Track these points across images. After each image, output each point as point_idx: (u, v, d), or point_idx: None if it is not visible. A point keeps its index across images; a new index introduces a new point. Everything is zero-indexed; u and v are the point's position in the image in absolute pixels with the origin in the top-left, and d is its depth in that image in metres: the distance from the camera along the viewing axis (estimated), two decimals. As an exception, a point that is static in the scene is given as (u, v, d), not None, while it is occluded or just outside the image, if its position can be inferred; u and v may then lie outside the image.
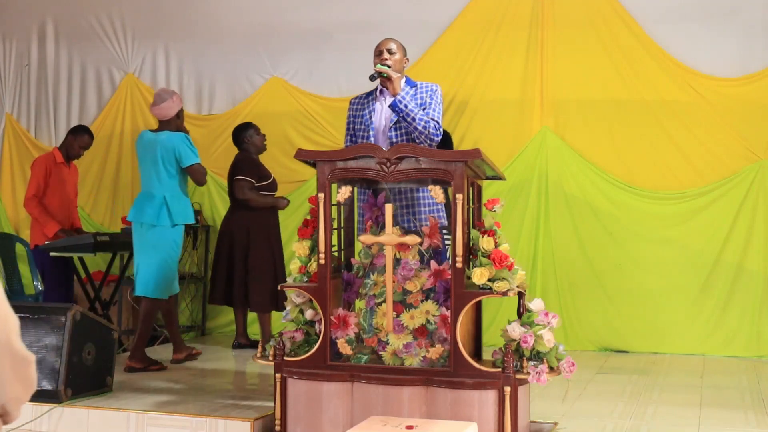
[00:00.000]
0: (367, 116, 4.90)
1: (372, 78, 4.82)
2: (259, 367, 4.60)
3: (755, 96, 6.87)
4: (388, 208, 4.22)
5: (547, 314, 4.21)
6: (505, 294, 4.07)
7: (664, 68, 7.05)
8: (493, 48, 7.42)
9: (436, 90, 4.87)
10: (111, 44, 8.49)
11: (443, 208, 4.70)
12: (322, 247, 4.23)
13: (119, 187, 8.44)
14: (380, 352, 4.24)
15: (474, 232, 4.18)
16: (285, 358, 4.35)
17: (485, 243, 4.10)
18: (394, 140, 4.76)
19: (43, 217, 7.01)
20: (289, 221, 7.45)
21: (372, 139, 4.82)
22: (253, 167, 6.90)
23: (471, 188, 4.32)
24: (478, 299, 4.18)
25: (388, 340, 4.22)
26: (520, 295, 4.25)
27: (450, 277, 4.11)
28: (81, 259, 7.24)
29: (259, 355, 4.48)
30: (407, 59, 5.04)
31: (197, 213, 7.84)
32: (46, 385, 4.81)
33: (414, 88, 4.85)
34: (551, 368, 4.11)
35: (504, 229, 4.33)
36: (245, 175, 6.82)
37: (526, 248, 7.17)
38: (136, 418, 4.70)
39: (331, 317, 4.26)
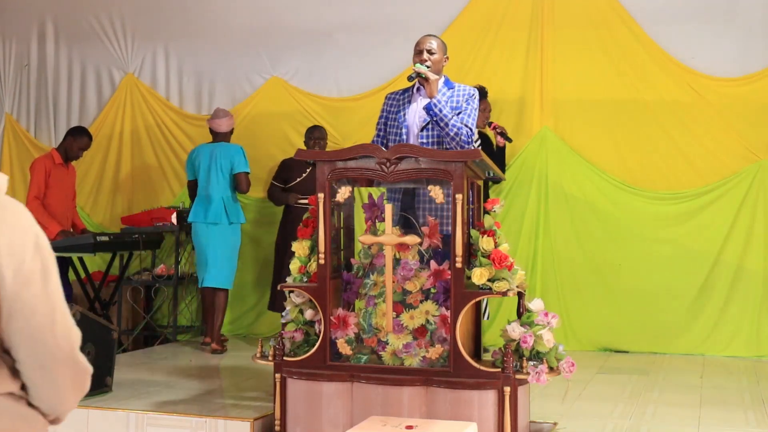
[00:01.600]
0: (402, 115, 4.83)
1: (410, 78, 4.74)
2: (260, 367, 4.59)
3: (755, 96, 6.86)
4: (388, 208, 4.22)
5: (546, 314, 4.21)
6: (504, 294, 4.07)
7: (663, 68, 7.04)
8: (493, 48, 7.41)
9: (473, 95, 4.80)
10: (111, 44, 8.49)
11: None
12: (321, 247, 4.24)
13: (119, 188, 8.43)
14: (380, 352, 4.24)
15: (474, 232, 4.18)
16: (285, 358, 4.35)
17: (485, 243, 4.10)
18: (424, 141, 4.72)
19: (45, 218, 7.01)
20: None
21: (404, 138, 4.77)
22: (282, 170, 7.32)
23: (471, 188, 4.32)
24: (477, 299, 4.18)
25: (387, 340, 4.22)
26: (520, 295, 4.25)
27: (450, 277, 4.11)
28: (81, 259, 7.25)
29: (258, 355, 4.48)
30: (447, 58, 4.92)
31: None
32: (46, 385, 4.80)
33: (451, 90, 4.79)
34: (551, 368, 4.11)
35: (504, 229, 4.33)
36: (273, 180, 7.39)
37: (526, 248, 7.16)
38: (136, 419, 4.70)
39: (331, 317, 4.26)
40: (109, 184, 8.45)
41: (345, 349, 4.26)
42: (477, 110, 4.79)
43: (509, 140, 6.78)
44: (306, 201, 6.86)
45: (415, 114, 4.80)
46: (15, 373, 1.69)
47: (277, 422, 4.35)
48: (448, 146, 4.64)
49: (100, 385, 5.13)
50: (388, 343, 4.21)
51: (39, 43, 8.76)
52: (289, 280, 4.45)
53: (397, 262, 4.25)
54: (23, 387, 1.71)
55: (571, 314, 7.04)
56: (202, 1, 8.26)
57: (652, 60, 7.06)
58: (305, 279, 4.38)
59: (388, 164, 4.17)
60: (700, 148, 6.97)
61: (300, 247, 4.41)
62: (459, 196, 4.06)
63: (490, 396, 4.04)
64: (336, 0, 7.85)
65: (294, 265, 4.42)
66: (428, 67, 4.74)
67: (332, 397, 4.24)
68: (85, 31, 8.57)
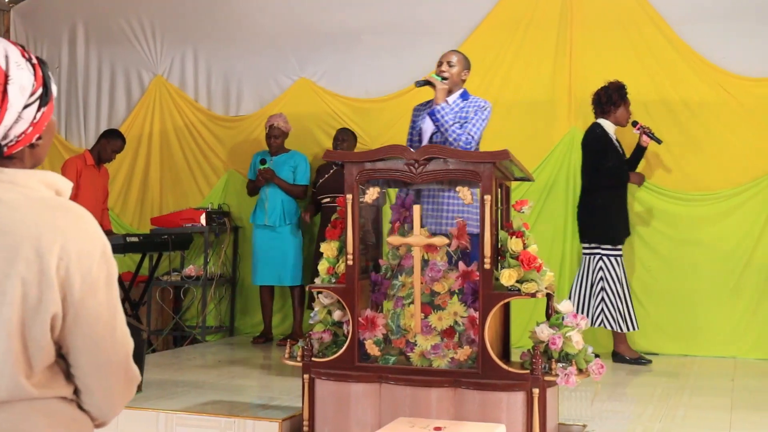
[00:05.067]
0: (419, 123, 5.15)
1: (418, 84, 5.10)
2: (288, 367, 4.60)
3: (786, 96, 6.79)
4: (416, 209, 4.21)
5: (575, 316, 4.18)
6: (533, 295, 4.05)
7: (693, 68, 6.98)
8: (521, 48, 7.38)
9: (483, 107, 5.06)
10: (140, 46, 8.54)
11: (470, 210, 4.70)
12: (350, 248, 4.24)
13: (148, 189, 8.47)
14: (408, 354, 4.24)
15: (502, 234, 4.17)
16: (313, 358, 4.36)
17: (513, 244, 4.09)
18: None
19: None
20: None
21: (419, 143, 5.04)
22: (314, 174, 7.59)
23: (499, 189, 4.31)
24: (506, 301, 4.17)
25: (416, 341, 4.21)
26: (549, 296, 4.23)
27: (478, 278, 4.10)
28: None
29: (287, 355, 4.49)
30: (467, 72, 5.23)
31: (225, 214, 7.89)
32: (77, 385, 4.84)
33: (465, 101, 5.07)
34: (580, 370, 4.08)
35: (533, 231, 4.31)
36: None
37: (555, 250, 7.12)
38: (166, 418, 4.72)
39: (359, 318, 4.26)
40: (139, 185, 8.50)
41: (373, 350, 4.26)
42: (484, 121, 5.02)
43: (658, 141, 6.66)
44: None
45: (429, 122, 5.10)
46: (69, 377, 1.73)
47: (306, 423, 4.35)
48: None
49: (130, 385, 5.16)
50: (416, 344, 4.21)
51: (70, 45, 8.83)
52: (317, 281, 4.46)
53: (425, 263, 4.25)
54: (76, 391, 1.75)
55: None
56: (230, 3, 8.29)
57: (683, 60, 7.00)
58: (333, 280, 4.38)
59: (416, 165, 4.17)
60: (730, 149, 6.90)
61: (328, 248, 4.41)
62: (487, 198, 4.05)
63: (518, 398, 4.02)
64: (364, 1, 7.85)
65: (322, 266, 4.42)
66: (445, 78, 5.08)
67: (360, 397, 4.24)
68: (114, 34, 8.63)
